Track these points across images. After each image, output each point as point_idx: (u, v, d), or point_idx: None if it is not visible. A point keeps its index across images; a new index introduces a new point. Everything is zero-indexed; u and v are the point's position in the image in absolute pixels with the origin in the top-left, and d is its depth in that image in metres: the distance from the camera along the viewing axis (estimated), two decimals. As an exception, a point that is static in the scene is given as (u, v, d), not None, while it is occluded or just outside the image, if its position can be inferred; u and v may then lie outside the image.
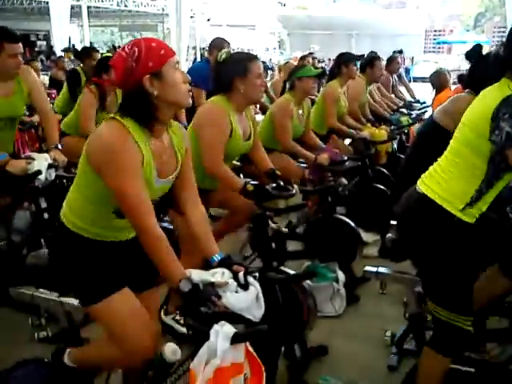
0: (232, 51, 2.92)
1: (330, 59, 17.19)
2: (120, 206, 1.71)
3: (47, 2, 14.73)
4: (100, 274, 1.82)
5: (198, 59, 20.90)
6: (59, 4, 9.16)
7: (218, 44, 4.69)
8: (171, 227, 2.75)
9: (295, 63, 6.75)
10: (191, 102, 1.77)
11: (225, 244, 2.78)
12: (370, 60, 5.00)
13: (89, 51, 5.59)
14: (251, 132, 2.84)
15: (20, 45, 2.96)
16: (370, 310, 3.16)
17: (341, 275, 3.11)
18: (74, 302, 2.05)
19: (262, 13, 26.55)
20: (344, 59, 4.52)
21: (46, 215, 3.04)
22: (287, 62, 7.07)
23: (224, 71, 2.70)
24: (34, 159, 2.87)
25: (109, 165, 1.64)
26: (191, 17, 17.48)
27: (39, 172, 2.78)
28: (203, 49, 23.32)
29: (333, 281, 3.06)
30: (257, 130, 2.98)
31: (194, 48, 21.42)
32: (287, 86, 3.81)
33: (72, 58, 8.47)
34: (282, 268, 2.52)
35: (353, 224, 3.31)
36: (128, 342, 1.77)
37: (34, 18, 21.66)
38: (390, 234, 2.37)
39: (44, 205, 3.06)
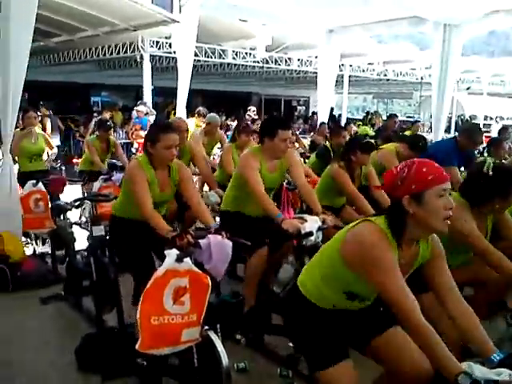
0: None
1: None
2: (384, 301, 1.84)
3: (313, 72, 16.22)
4: (329, 343, 1.97)
5: (453, 127, 20.29)
6: (327, 76, 10.41)
7: (470, 132, 4.81)
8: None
9: None
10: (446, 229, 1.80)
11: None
12: None
13: (339, 131, 6.23)
14: None
15: (290, 132, 3.38)
16: None
17: None
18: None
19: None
20: None
21: (307, 273, 3.22)
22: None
23: (487, 187, 2.67)
24: (306, 220, 3.08)
25: (372, 265, 1.78)
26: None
27: (311, 233, 2.98)
28: (459, 117, 22.49)
29: None
30: None
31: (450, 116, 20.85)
32: None
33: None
34: None
35: None
36: None
37: (298, 85, 23.94)
38: None
39: (307, 262, 3.25)
